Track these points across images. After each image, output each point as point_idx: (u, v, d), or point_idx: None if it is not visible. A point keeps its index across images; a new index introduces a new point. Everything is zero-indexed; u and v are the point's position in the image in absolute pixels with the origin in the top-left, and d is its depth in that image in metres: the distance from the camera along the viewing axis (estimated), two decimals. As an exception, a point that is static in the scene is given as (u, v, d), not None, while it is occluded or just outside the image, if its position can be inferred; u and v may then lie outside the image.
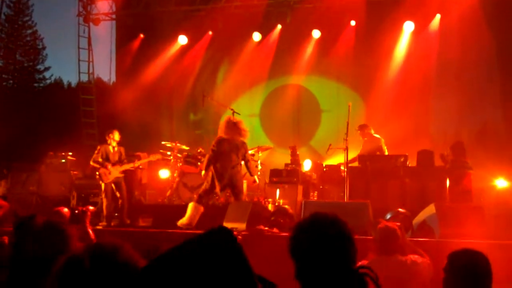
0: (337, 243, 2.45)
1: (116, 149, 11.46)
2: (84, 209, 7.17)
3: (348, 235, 2.49)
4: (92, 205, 11.41)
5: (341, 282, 2.42)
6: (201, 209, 9.88)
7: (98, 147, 11.60)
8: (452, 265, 3.89)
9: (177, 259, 1.62)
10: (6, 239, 5.45)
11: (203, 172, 10.24)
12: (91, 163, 11.43)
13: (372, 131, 12.34)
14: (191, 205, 9.88)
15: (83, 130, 18.56)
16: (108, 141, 11.44)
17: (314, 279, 2.43)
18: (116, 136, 11.46)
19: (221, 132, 10.25)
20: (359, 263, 4.99)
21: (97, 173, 11.28)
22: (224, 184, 10.04)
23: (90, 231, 6.69)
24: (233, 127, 10.20)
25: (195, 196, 10.44)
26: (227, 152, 10.06)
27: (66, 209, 7.62)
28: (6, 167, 14.30)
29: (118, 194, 11.26)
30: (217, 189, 10.07)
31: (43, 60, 39.61)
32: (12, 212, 10.70)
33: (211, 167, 10.05)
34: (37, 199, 13.03)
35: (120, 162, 11.41)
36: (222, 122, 10.42)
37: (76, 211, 7.21)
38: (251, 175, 10.71)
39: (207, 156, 10.36)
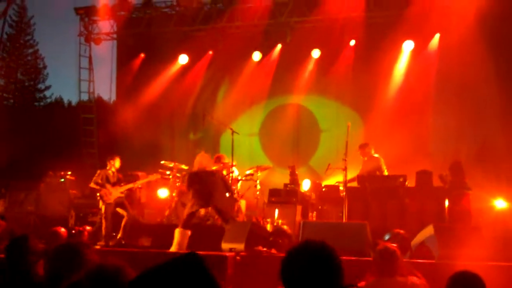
0: (326, 266, 2.48)
1: (115, 173, 11.48)
2: (81, 229, 7.16)
3: (336, 259, 2.54)
4: (90, 225, 11.44)
5: None
6: (188, 233, 9.74)
7: (98, 171, 11.62)
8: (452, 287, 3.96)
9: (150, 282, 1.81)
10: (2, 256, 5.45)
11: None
12: (92, 185, 11.43)
13: (373, 151, 12.34)
14: (177, 231, 9.77)
15: (83, 149, 18.57)
16: (108, 166, 11.46)
17: None
18: (117, 163, 11.50)
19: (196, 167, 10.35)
20: (358, 285, 4.99)
21: (98, 194, 11.27)
22: (204, 204, 10.02)
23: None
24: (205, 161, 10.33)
25: (184, 216, 10.29)
26: (203, 176, 10.10)
27: (63, 229, 7.60)
28: (5, 186, 14.28)
29: (124, 213, 11.24)
30: (200, 210, 10.05)
31: (44, 79, 39.75)
32: (9, 231, 10.66)
33: (191, 189, 10.06)
34: (35, 219, 12.98)
35: (119, 183, 11.42)
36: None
37: (73, 231, 7.20)
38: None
39: (185, 177, 10.41)
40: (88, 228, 8.25)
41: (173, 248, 9.57)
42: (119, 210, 11.23)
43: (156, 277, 1.81)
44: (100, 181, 11.23)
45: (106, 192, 11.15)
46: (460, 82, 14.33)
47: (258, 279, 7.43)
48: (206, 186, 9.95)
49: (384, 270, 5.17)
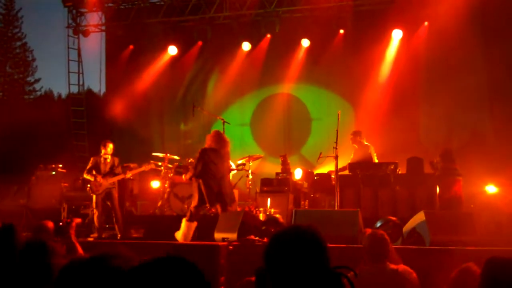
0: (309, 246, 2.47)
1: (108, 160, 11.33)
2: (68, 220, 7.07)
3: (322, 240, 2.52)
4: (82, 217, 11.40)
5: (317, 283, 2.43)
6: (194, 224, 9.85)
7: (91, 159, 11.52)
8: (491, 273, 3.83)
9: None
10: None
11: (183, 176, 10.31)
12: (84, 175, 11.34)
13: (364, 140, 12.36)
14: (183, 223, 9.85)
15: (73, 141, 18.48)
16: (102, 152, 11.33)
17: (290, 282, 2.44)
18: (109, 148, 11.36)
19: (209, 143, 10.23)
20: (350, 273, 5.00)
21: (88, 185, 11.21)
22: (214, 196, 10.00)
23: (76, 243, 6.59)
24: (220, 139, 10.22)
25: (190, 209, 10.27)
26: (214, 163, 10.04)
27: (50, 223, 7.50)
28: (-4, 179, 14.25)
29: (109, 204, 11.17)
30: (207, 203, 10.05)
31: (33, 72, 39.47)
32: (1, 224, 10.64)
33: (200, 180, 10.00)
34: (27, 212, 12.95)
35: (111, 173, 11.30)
36: (210, 134, 10.44)
37: (61, 223, 7.15)
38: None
39: (191, 167, 10.35)
40: (77, 220, 8.21)
41: (179, 236, 9.71)
42: (107, 202, 11.17)
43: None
44: (93, 172, 11.12)
45: (95, 183, 11.07)
46: (449, 70, 14.40)
47: (251, 268, 7.44)
48: (216, 179, 10.00)
49: (375, 256, 5.17)
